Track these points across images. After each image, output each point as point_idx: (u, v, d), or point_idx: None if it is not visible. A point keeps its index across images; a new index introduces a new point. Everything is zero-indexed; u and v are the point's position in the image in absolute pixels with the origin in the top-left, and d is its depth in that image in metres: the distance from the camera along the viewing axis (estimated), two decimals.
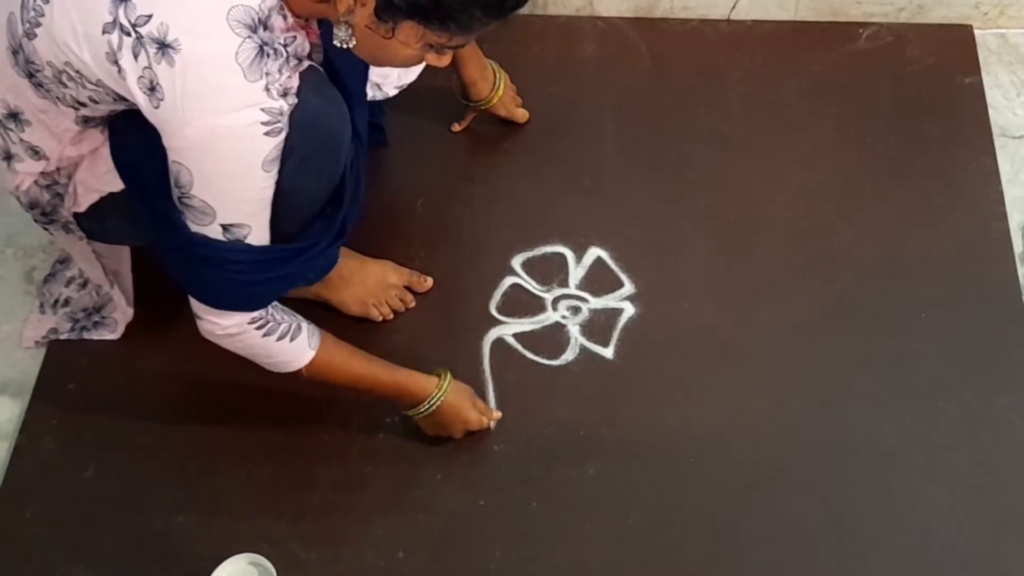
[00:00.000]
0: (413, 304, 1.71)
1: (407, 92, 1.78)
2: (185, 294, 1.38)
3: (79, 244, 1.55)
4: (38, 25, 1.22)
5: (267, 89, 1.20)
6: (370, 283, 1.69)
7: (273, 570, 1.45)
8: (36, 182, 1.44)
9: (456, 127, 1.88)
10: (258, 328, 1.37)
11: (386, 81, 1.68)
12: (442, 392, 1.52)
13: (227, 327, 1.36)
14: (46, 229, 1.53)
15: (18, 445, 1.61)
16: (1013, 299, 1.70)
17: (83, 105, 1.30)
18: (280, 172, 1.28)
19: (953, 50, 1.99)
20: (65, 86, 1.27)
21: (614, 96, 1.94)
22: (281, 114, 1.22)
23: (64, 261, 1.74)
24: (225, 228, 1.28)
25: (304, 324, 1.42)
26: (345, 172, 1.43)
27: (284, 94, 1.23)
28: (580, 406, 1.62)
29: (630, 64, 2.00)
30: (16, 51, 1.27)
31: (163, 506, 1.54)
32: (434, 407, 1.52)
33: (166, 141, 1.23)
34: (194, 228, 1.28)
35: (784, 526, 1.52)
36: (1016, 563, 1.48)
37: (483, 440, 1.59)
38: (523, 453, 1.58)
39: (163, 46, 1.17)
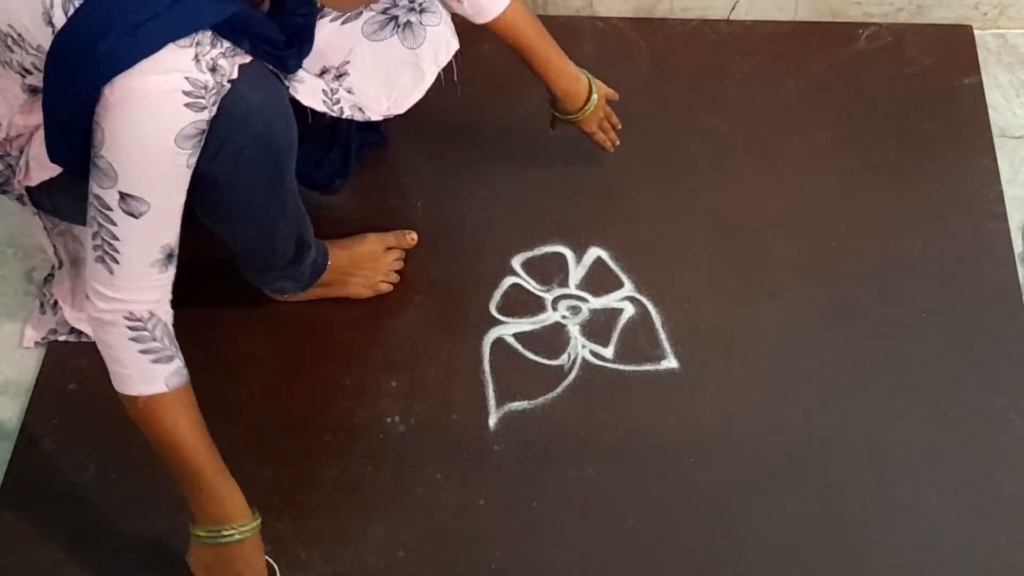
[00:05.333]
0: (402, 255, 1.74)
1: None
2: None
3: (33, 219, 1.53)
4: None
5: (196, 59, 1.19)
6: (369, 266, 1.69)
7: (276, 568, 1.45)
8: None
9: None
10: (130, 328, 1.28)
11: (372, 109, 1.59)
12: (248, 530, 1.35)
13: (101, 310, 1.28)
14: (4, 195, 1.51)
15: (18, 445, 1.61)
16: (1013, 299, 1.70)
17: (28, 72, 1.27)
18: (214, 163, 1.27)
19: (953, 51, 1.99)
20: (11, 51, 1.25)
21: None
22: (205, 89, 1.19)
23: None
24: (123, 197, 1.22)
25: (177, 363, 1.31)
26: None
27: (212, 69, 1.20)
28: (580, 406, 1.62)
29: (630, 65, 2.00)
30: None
31: (165, 506, 1.53)
32: (227, 540, 1.34)
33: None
34: (95, 191, 1.23)
35: (783, 527, 1.52)
36: (1016, 563, 1.49)
37: (483, 440, 1.59)
38: (523, 453, 1.58)
39: None
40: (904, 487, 1.54)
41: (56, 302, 1.70)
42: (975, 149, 1.86)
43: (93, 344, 1.65)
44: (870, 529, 1.51)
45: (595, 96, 1.70)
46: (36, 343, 1.69)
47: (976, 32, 2.02)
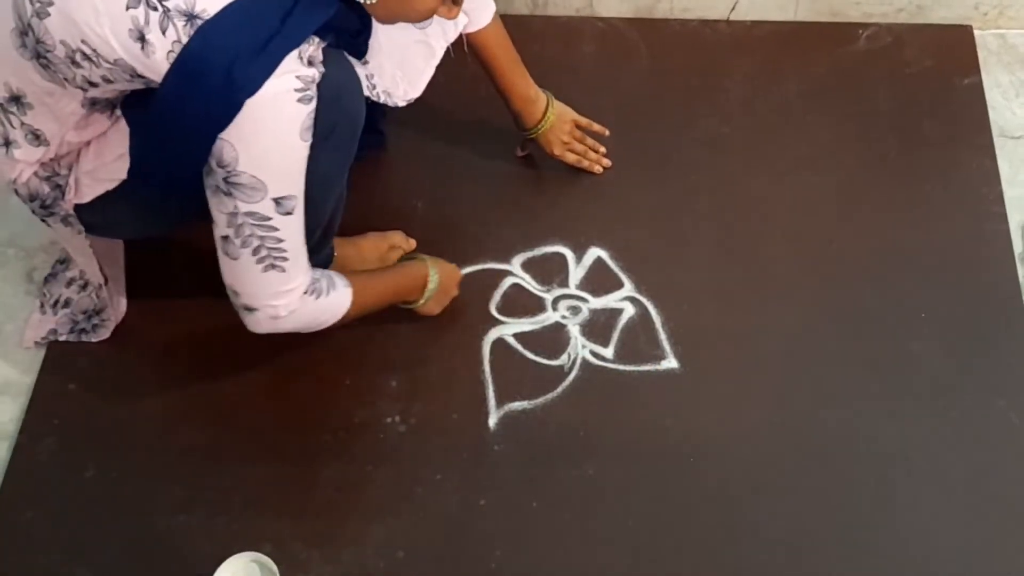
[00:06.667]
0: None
1: None
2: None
3: (77, 238, 1.54)
4: (51, 4, 1.22)
5: (299, 57, 1.23)
6: (373, 263, 1.70)
7: (275, 568, 1.45)
8: (36, 174, 1.43)
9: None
10: (311, 294, 1.40)
11: (395, 93, 1.65)
12: (432, 262, 1.62)
13: (287, 305, 1.38)
14: (44, 221, 1.51)
15: (18, 445, 1.61)
16: (1013, 299, 1.70)
17: (94, 85, 1.29)
18: (315, 146, 1.30)
19: (953, 51, 1.99)
20: (78, 66, 1.25)
21: (614, 96, 1.94)
22: (312, 81, 1.25)
23: (64, 261, 1.74)
24: (277, 202, 1.28)
25: (326, 272, 1.46)
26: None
27: (310, 62, 1.25)
28: (580, 406, 1.62)
29: (630, 65, 2.00)
30: (24, 32, 1.25)
31: (164, 506, 1.54)
32: (436, 280, 1.61)
33: None
34: (246, 209, 1.28)
35: (783, 526, 1.52)
36: (1016, 563, 1.49)
37: (483, 440, 1.59)
38: (523, 453, 1.58)
39: (191, 17, 1.18)
40: (903, 487, 1.54)
41: (56, 302, 1.70)
42: (975, 149, 1.86)
43: (93, 344, 1.68)
44: (870, 529, 1.51)
45: (550, 115, 1.76)
46: (36, 343, 1.69)
47: (976, 32, 2.02)
